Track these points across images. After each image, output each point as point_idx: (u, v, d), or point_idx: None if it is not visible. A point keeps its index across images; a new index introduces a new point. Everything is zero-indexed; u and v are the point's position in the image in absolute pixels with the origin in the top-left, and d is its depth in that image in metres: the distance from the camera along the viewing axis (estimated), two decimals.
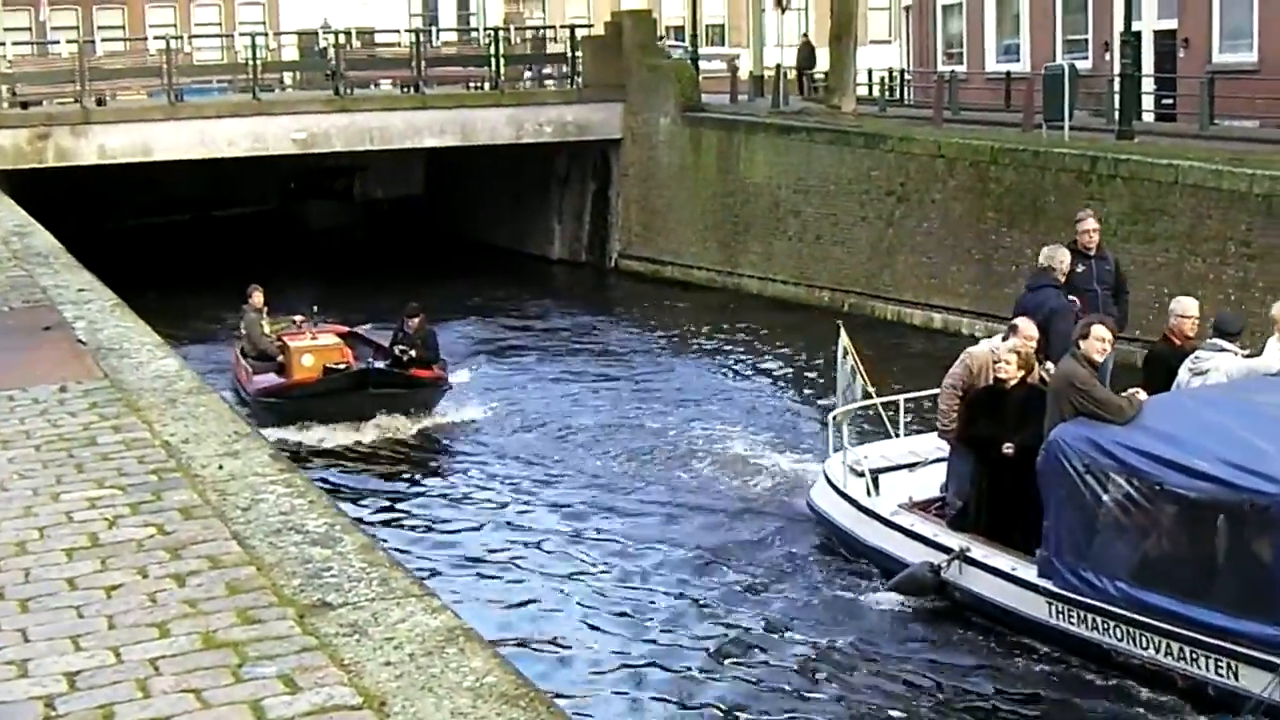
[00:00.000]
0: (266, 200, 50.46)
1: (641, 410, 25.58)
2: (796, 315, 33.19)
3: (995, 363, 15.55)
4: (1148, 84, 37.46)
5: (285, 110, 38.74)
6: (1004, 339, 15.80)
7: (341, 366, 24.78)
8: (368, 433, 24.04)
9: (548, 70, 44.54)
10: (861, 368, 19.25)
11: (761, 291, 35.43)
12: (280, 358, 25.74)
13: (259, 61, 40.29)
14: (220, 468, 7.23)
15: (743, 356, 30.02)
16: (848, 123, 36.10)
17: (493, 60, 42.17)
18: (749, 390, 27.49)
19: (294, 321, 27.17)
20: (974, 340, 29.84)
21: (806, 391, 27.10)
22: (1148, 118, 36.16)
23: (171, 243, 45.46)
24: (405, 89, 41.34)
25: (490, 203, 45.17)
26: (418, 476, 22.93)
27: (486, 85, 41.96)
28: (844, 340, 19.63)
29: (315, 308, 27.96)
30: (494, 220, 45.20)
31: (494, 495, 21.48)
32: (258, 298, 26.66)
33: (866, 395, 19.17)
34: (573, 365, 29.99)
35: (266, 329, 26.56)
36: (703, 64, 46.65)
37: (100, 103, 37.66)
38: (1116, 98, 32.94)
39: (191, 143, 37.11)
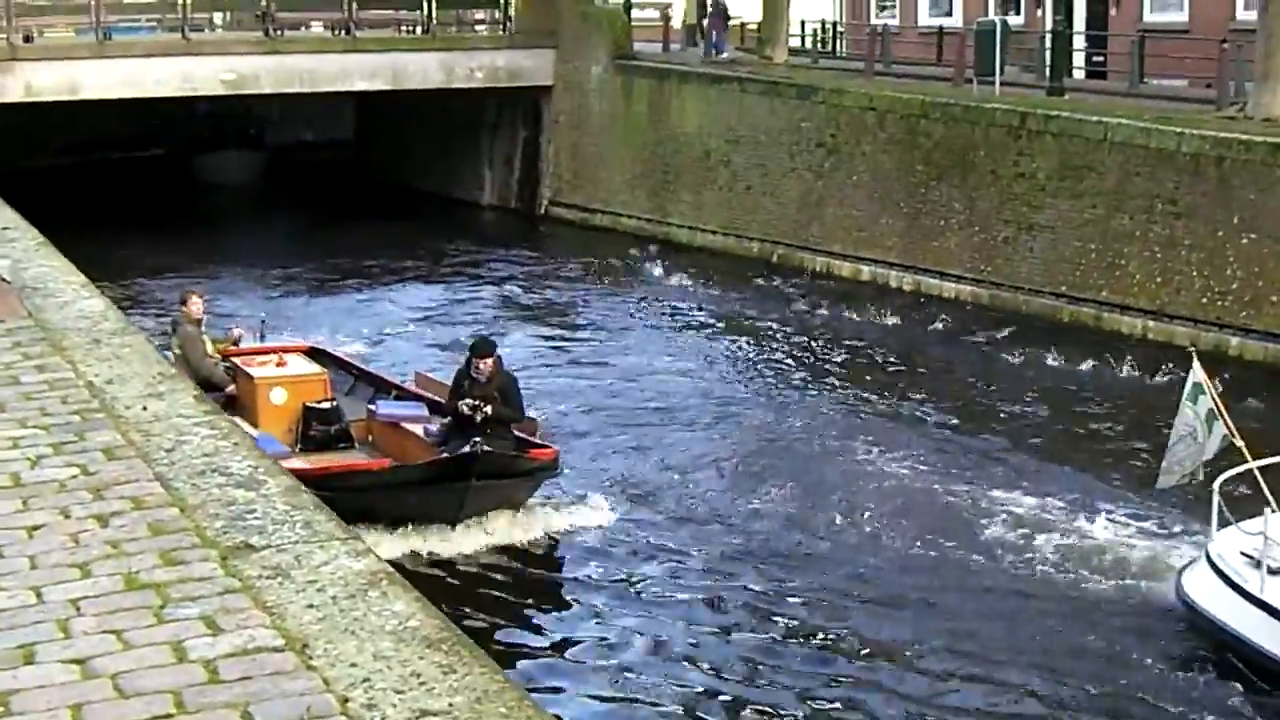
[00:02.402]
0: (176, 144, 49.05)
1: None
2: (726, 264, 33.28)
3: None
4: (1079, 41, 37.59)
5: (214, 51, 38.32)
6: None
7: (325, 406, 18.88)
8: (459, 543, 17.02)
9: (479, 15, 44.29)
10: (1223, 411, 15.03)
11: (690, 241, 35.42)
12: (230, 388, 19.38)
13: (188, 0, 39.81)
14: (144, 409, 7.19)
15: (679, 304, 30.11)
16: (779, 74, 36.08)
17: (424, 4, 41.84)
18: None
19: (238, 337, 21.43)
20: (901, 293, 30.23)
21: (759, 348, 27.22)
22: (1078, 75, 36.31)
23: (90, 184, 44.92)
24: (336, 31, 40.97)
25: (420, 148, 44.91)
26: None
27: (418, 29, 41.66)
28: (1197, 374, 15.12)
29: (264, 319, 22.71)
30: (424, 166, 44.95)
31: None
32: (195, 305, 19.64)
33: (1230, 447, 14.96)
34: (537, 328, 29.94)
35: (210, 349, 19.79)
36: (635, 12, 46.48)
37: (27, 39, 37.11)
38: (1047, 54, 33.15)
39: (119, 82, 36.67)
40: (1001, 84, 31.61)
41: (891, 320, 28.26)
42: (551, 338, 27.61)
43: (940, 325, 27.74)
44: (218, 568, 5.24)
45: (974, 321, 27.96)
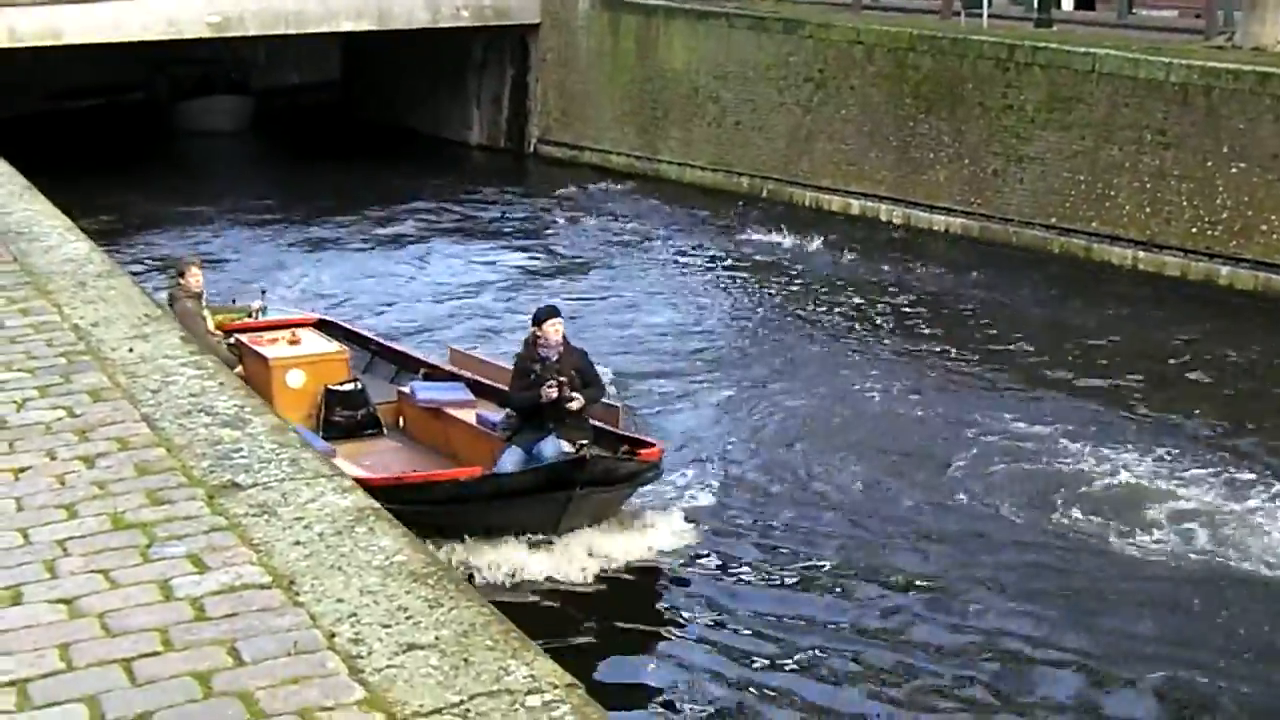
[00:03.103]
0: (159, 91, 48.32)
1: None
2: (715, 200, 33.21)
3: None
4: None
5: None
6: None
7: (348, 388, 17.09)
8: (551, 559, 14.45)
9: None
10: None
11: (680, 178, 35.31)
12: (238, 369, 15.90)
13: None
14: (130, 350, 7.18)
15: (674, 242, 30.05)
16: (766, 8, 35.92)
17: None
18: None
19: (244, 311, 19.13)
20: (891, 226, 30.20)
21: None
22: (1066, 6, 36.25)
23: (72, 132, 44.64)
24: None
25: (408, 89, 44.73)
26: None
27: None
28: None
29: (264, 289, 20.19)
30: (412, 107, 44.76)
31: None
32: (194, 277, 17.22)
33: None
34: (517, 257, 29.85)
35: (210, 324, 17.44)
36: None
37: None
38: None
39: (103, 26, 36.46)
40: (989, 16, 31.52)
41: (890, 256, 28.25)
42: (552, 282, 27.36)
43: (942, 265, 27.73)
44: (204, 506, 5.24)
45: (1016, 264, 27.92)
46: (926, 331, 23.44)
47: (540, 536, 14.38)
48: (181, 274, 17.29)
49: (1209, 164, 25.39)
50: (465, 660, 3.99)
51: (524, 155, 40.30)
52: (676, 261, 28.70)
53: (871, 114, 31.14)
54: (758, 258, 28.49)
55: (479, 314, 24.90)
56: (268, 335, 17.84)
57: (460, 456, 15.99)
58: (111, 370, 6.86)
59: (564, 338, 14.83)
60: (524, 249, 30.25)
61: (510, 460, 14.64)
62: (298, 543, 4.87)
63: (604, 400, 15.63)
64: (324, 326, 19.17)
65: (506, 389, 15.80)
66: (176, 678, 4.03)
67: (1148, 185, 26.29)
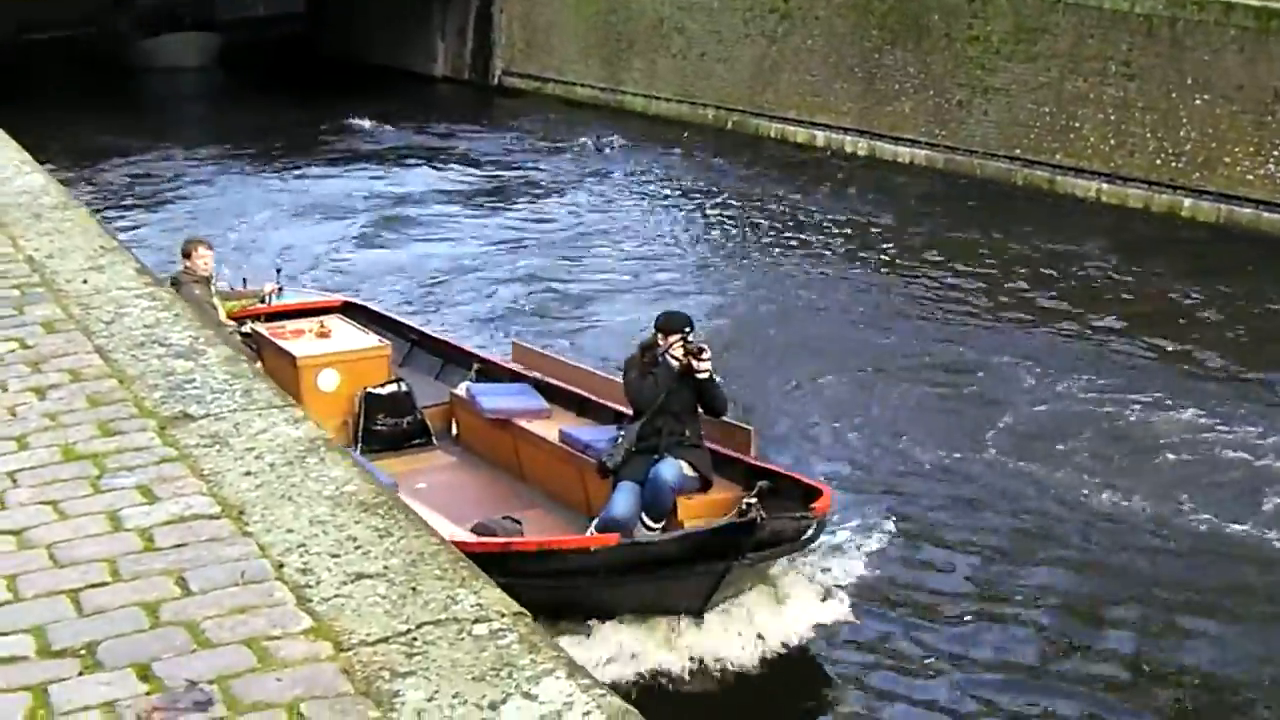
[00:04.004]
0: (119, 27, 47.24)
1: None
2: (681, 132, 33.12)
3: None
4: None
5: None
6: None
7: (391, 390, 14.55)
8: (698, 638, 11.58)
9: None
10: None
11: (645, 109, 35.22)
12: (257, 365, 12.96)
13: None
14: (85, 282, 7.14)
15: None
16: None
17: None
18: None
19: (256, 296, 16.40)
20: (856, 158, 30.16)
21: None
22: None
23: (33, 68, 44.29)
24: None
25: (373, 22, 44.46)
26: None
27: None
28: None
29: (279, 268, 17.31)
30: (377, 40, 44.50)
31: None
32: (203, 259, 15.01)
33: None
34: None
35: (222, 313, 15.01)
36: None
37: None
38: None
39: None
40: None
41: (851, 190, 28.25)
42: (523, 219, 27.17)
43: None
44: (155, 437, 5.22)
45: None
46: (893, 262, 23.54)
47: (682, 614, 11.52)
48: (187, 255, 14.99)
49: (1173, 96, 25.41)
50: (413, 589, 3.99)
51: (489, 88, 40.13)
52: (638, 193, 28.66)
53: (837, 45, 31.06)
54: (716, 189, 28.45)
55: (445, 238, 24.92)
56: (291, 325, 15.28)
57: (536, 480, 13.76)
58: (66, 302, 6.82)
59: (684, 345, 12.20)
60: (487, 180, 30.17)
61: (624, 502, 11.97)
62: (248, 473, 4.86)
63: (726, 418, 12.72)
64: (351, 311, 16.57)
65: (580, 392, 14.10)
66: (124, 608, 4.02)
67: (1112, 117, 26.31)
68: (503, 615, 3.84)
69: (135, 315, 6.62)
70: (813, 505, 11.46)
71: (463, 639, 3.71)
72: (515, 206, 27.83)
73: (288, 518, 4.50)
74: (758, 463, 12.44)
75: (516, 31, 39.56)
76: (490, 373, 15.17)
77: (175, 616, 3.96)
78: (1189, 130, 25.22)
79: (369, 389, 14.33)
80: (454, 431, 14.82)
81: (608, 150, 31.99)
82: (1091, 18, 26.61)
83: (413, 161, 32.07)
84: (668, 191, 28.74)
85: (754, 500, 10.93)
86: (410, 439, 14.47)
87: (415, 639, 3.73)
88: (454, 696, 3.44)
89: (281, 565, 4.20)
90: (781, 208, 27.00)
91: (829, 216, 26.33)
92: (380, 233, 25.91)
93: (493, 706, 3.39)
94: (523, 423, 13.92)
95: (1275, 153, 24.27)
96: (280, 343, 14.76)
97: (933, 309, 21.11)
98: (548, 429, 13.72)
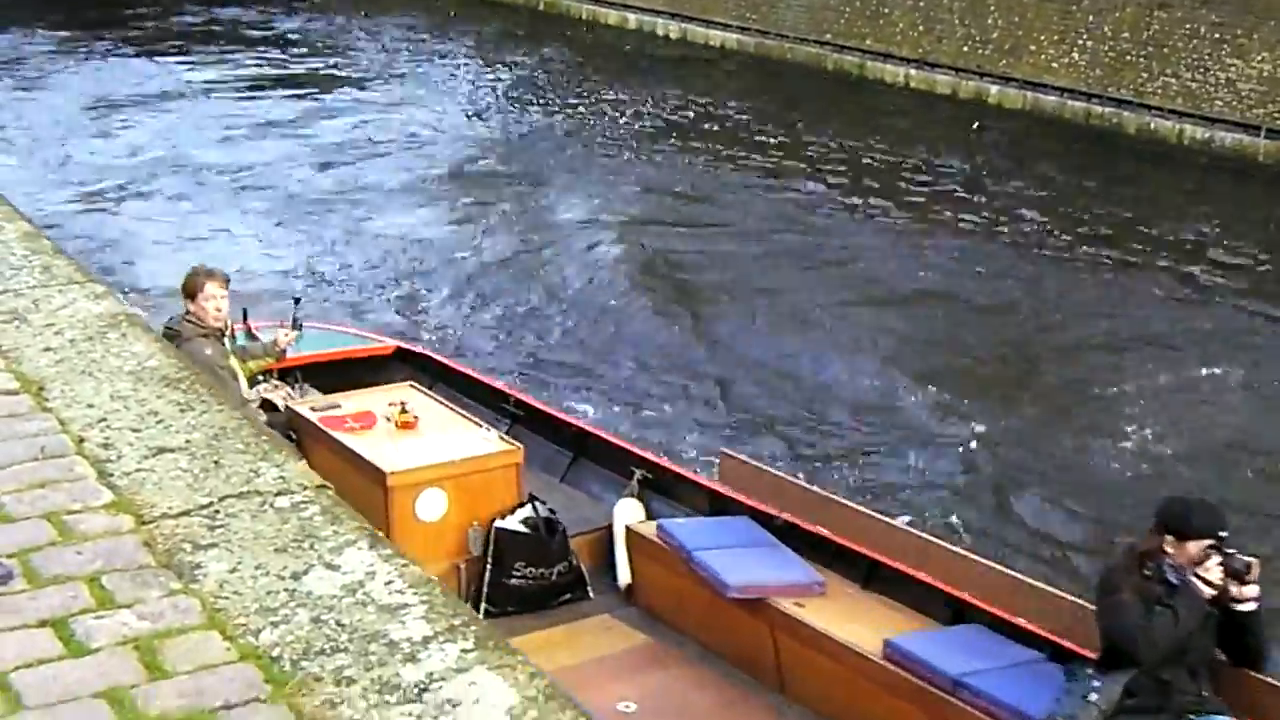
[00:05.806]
0: None
1: None
2: (489, 12, 32.86)
3: None
4: None
5: None
6: None
7: (530, 520, 9.45)
8: None
9: None
10: None
11: None
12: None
13: None
14: None
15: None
16: None
17: None
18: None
19: (286, 345, 10.99)
20: (667, 40, 30.16)
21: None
22: None
23: None
24: None
25: None
26: None
27: None
28: None
29: (297, 298, 11.86)
30: None
31: None
32: (214, 300, 10.07)
33: None
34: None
35: (244, 383, 10.24)
36: None
37: None
38: None
39: None
40: None
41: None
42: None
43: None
44: None
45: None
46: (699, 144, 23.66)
47: None
48: (191, 295, 10.13)
49: None
50: (215, 463, 3.99)
51: None
52: (467, 83, 28.50)
53: None
54: (520, 74, 28.34)
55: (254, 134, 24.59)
56: (351, 404, 10.04)
57: (810, 701, 8.38)
58: None
59: None
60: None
61: None
62: (48, 349, 4.80)
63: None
64: (407, 360, 11.90)
65: (864, 551, 8.93)
66: None
67: (921, 4, 26.54)
68: (305, 488, 3.86)
69: None
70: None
71: (265, 511, 3.73)
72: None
73: (88, 393, 4.46)
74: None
75: None
76: (663, 483, 10.22)
77: None
78: (996, 18, 25.52)
79: (499, 524, 9.38)
80: (621, 581, 9.67)
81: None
82: None
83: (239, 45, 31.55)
84: (458, 74, 28.54)
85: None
86: (559, 594, 9.60)
87: (217, 511, 3.73)
88: (256, 568, 3.46)
89: (82, 440, 4.17)
90: (589, 94, 26.97)
91: (638, 103, 26.36)
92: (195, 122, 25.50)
93: (295, 577, 3.41)
94: (781, 603, 8.49)
95: (1080, 41, 24.65)
96: (347, 440, 9.42)
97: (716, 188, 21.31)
98: (820, 617, 8.35)
